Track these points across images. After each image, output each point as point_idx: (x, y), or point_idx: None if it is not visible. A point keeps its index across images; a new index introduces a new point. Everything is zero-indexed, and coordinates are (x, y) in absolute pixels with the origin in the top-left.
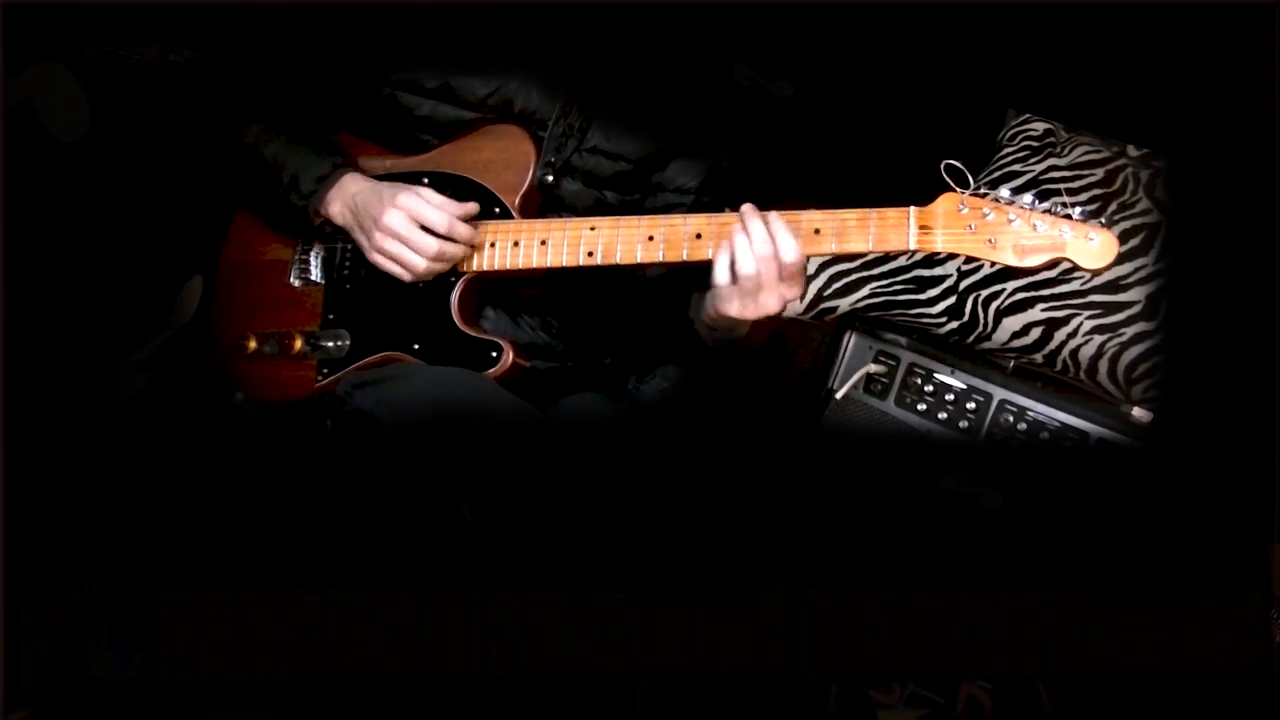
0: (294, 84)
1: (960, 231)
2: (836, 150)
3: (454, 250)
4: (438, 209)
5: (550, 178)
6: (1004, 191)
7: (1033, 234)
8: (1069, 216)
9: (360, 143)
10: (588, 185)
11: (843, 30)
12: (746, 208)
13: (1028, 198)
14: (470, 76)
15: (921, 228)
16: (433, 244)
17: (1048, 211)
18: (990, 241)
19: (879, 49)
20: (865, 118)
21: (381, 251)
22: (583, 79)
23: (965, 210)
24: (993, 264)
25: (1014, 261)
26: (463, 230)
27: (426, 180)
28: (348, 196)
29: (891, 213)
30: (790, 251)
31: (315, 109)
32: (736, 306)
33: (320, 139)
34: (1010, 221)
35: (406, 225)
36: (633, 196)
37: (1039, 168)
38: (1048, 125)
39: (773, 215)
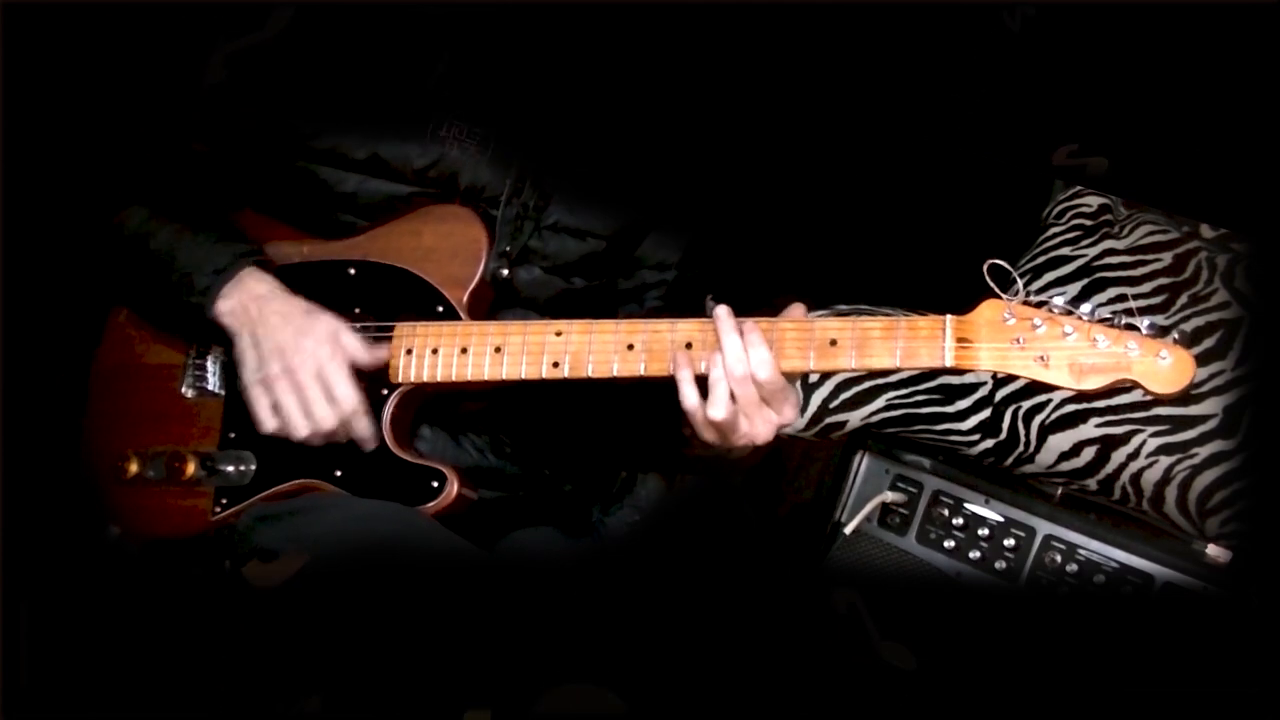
0: (184, 157)
1: (1005, 346)
2: (853, 230)
3: (345, 436)
4: (352, 387)
5: (505, 271)
6: (1058, 299)
7: (1092, 351)
8: (1135, 329)
9: (267, 222)
10: (551, 273)
11: (864, 81)
12: (721, 311)
13: (1086, 306)
14: (405, 144)
15: (960, 341)
16: (331, 419)
17: (1110, 324)
18: (1042, 359)
19: (902, 105)
20: (886, 194)
21: (268, 388)
22: (539, 143)
23: (1011, 320)
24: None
25: (1070, 384)
26: (363, 421)
27: (353, 271)
28: (248, 295)
29: (924, 322)
30: (764, 368)
31: (211, 187)
32: (713, 435)
33: (221, 224)
34: (1065, 335)
35: (313, 383)
36: (604, 280)
37: (1092, 252)
38: (1103, 200)
39: (748, 324)
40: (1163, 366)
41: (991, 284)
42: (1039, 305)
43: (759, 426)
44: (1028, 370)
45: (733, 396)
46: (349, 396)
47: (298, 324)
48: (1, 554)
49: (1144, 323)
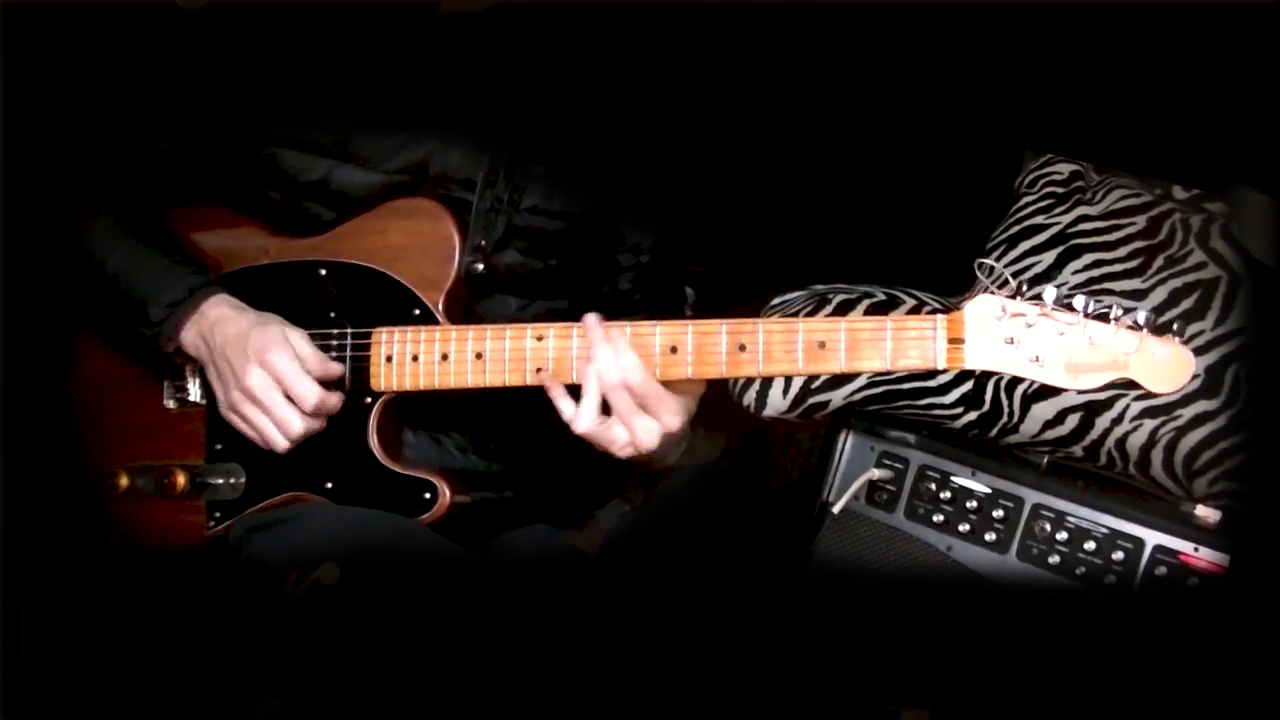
0: (146, 152)
1: (998, 346)
2: (823, 205)
3: (319, 427)
4: (307, 381)
5: (480, 266)
6: (1049, 290)
7: (1088, 348)
8: (1133, 324)
9: (234, 217)
10: (529, 254)
11: (830, 56)
12: (590, 320)
13: (1079, 298)
14: (376, 130)
15: (951, 341)
16: (298, 423)
17: (1105, 318)
18: (1037, 359)
19: (871, 78)
20: (855, 169)
21: (238, 413)
22: (513, 134)
23: (1004, 318)
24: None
25: (1067, 383)
26: (332, 403)
27: (324, 272)
28: (206, 325)
29: (913, 322)
30: (634, 373)
31: (177, 181)
32: (596, 447)
33: (176, 245)
34: (1060, 334)
35: (272, 393)
36: (581, 261)
37: (1066, 219)
38: (1074, 166)
39: (615, 330)
40: (1160, 364)
41: (983, 278)
42: (1032, 299)
43: (641, 435)
44: (1022, 370)
45: (608, 407)
46: (308, 392)
47: (246, 342)
48: (1, 556)
49: (1141, 316)
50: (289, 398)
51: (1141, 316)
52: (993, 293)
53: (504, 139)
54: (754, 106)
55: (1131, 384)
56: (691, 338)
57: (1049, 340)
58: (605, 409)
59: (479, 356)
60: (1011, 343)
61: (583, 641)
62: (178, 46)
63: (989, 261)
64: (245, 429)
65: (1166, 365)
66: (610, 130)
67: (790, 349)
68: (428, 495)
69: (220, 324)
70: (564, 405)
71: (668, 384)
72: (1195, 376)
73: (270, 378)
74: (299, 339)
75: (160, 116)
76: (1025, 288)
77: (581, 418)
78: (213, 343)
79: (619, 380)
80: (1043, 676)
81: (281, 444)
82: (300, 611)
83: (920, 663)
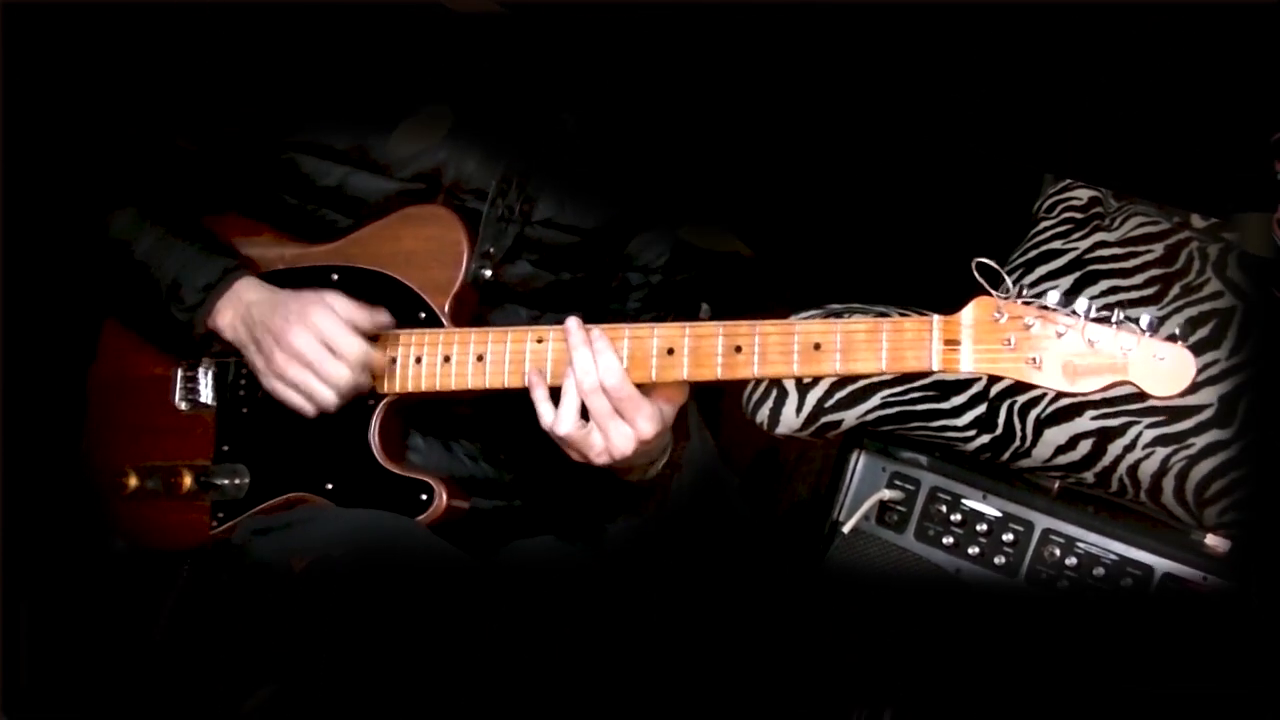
0: (171, 154)
1: (996, 348)
2: (843, 227)
3: (367, 383)
4: (350, 335)
5: (488, 272)
6: (1051, 295)
7: (1088, 351)
8: (1134, 328)
9: (253, 225)
10: (541, 266)
11: (851, 78)
12: (571, 323)
13: (1082, 302)
14: (389, 138)
15: (947, 343)
16: (346, 375)
17: (1106, 321)
18: (1033, 361)
19: (892, 100)
20: (875, 191)
21: (283, 378)
22: (530, 142)
23: (1003, 319)
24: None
25: (1064, 386)
26: (377, 358)
27: (336, 277)
28: (242, 306)
29: (909, 324)
30: (612, 375)
31: (198, 185)
32: (572, 453)
33: (207, 234)
34: (1059, 335)
35: (316, 349)
36: (593, 275)
37: (1084, 245)
38: (1093, 193)
39: (596, 332)
40: (1161, 367)
41: (982, 281)
42: (1032, 302)
43: (616, 440)
44: (1019, 373)
45: (586, 411)
46: (352, 345)
47: (285, 308)
48: (2, 556)
49: (1143, 320)
50: (334, 354)
51: (1144, 320)
52: (991, 294)
53: (519, 150)
54: (772, 128)
55: (1140, 395)
56: (688, 340)
57: (1048, 343)
58: (584, 414)
59: (480, 359)
60: (1009, 344)
61: (580, 644)
62: (197, 46)
63: (988, 262)
64: (292, 395)
65: (1169, 369)
66: (624, 145)
67: (786, 351)
68: (424, 496)
69: (258, 304)
70: (544, 409)
71: (655, 389)
72: (1209, 406)
73: (313, 336)
74: (336, 298)
75: (180, 117)
76: (1025, 290)
77: (561, 421)
78: (251, 321)
79: (596, 383)
80: (1042, 679)
81: (331, 400)
82: (304, 596)
83: (913, 671)
